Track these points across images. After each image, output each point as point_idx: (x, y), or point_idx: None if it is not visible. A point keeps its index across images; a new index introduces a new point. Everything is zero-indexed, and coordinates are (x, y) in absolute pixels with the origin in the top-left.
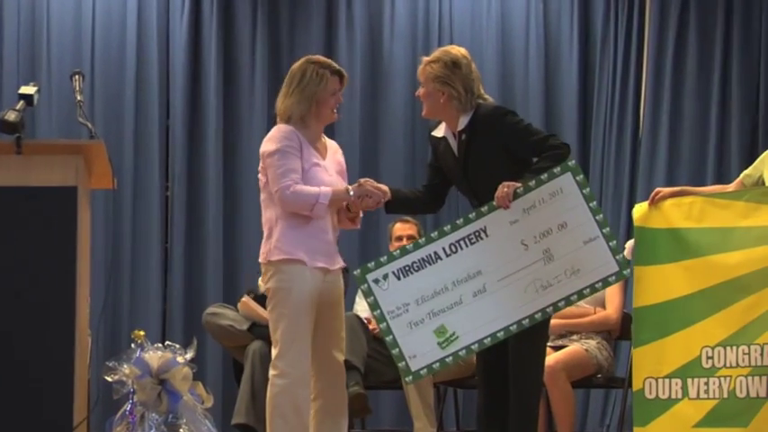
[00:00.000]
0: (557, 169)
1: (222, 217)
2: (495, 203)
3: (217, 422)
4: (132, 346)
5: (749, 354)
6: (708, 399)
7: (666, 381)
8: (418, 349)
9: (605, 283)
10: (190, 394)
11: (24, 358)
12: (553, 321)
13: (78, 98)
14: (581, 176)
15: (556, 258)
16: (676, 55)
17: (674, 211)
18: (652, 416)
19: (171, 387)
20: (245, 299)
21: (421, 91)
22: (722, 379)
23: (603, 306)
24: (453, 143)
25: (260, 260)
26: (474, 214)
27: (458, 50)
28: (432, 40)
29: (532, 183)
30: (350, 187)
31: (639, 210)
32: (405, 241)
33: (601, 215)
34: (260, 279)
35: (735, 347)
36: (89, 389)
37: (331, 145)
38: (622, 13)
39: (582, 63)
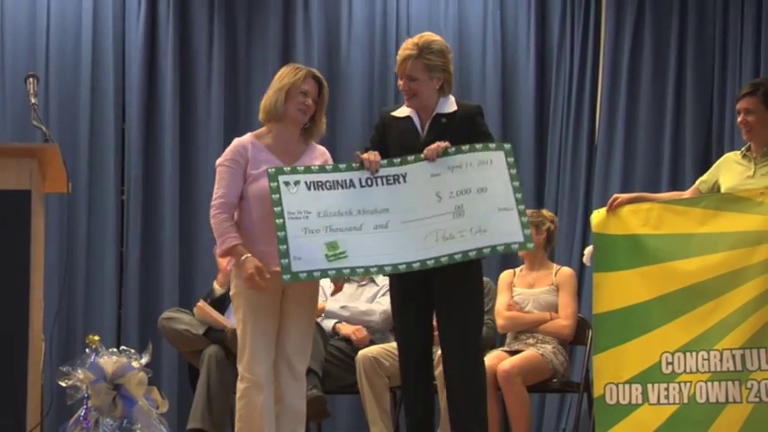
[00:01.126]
0: (492, 144)
1: (179, 221)
2: (422, 155)
3: (172, 427)
4: (87, 350)
5: (709, 359)
6: (668, 404)
7: (627, 386)
8: (305, 254)
9: (507, 247)
10: (145, 399)
11: None
12: (512, 320)
13: (32, 101)
14: (512, 159)
15: (466, 216)
16: (631, 61)
17: (632, 217)
18: (613, 421)
19: (126, 392)
20: (201, 303)
21: (413, 85)
22: (682, 384)
23: (557, 311)
24: (419, 124)
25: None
26: (399, 160)
27: (436, 36)
28: (389, 44)
29: (466, 147)
30: (247, 257)
31: (597, 216)
32: None
33: (520, 195)
34: (215, 283)
35: (694, 353)
36: (42, 394)
37: (314, 149)
38: (578, 20)
39: (538, 69)
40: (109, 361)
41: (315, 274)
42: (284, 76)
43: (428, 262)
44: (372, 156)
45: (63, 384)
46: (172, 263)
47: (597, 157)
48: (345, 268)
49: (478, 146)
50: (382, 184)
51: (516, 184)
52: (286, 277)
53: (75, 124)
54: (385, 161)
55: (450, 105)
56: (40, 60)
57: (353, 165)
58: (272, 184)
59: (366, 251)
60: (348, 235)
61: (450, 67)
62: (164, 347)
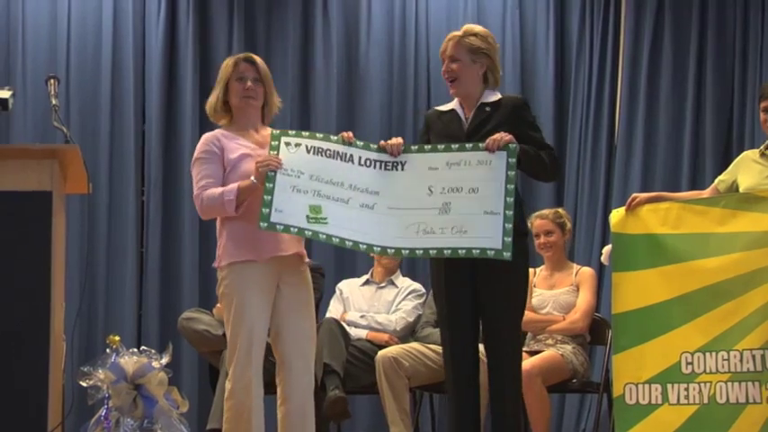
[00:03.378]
0: None
1: (198, 222)
2: (482, 144)
3: (192, 427)
4: (107, 350)
5: (729, 360)
6: (688, 404)
7: (646, 386)
8: (287, 208)
9: (482, 252)
10: (165, 399)
11: (2, 370)
12: (527, 322)
13: (53, 102)
14: (513, 160)
15: (451, 213)
16: (651, 60)
17: (651, 216)
18: (633, 421)
19: (146, 392)
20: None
21: (454, 66)
22: (702, 385)
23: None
24: (463, 114)
25: (213, 265)
26: (457, 146)
27: (481, 27)
28: (408, 46)
29: (469, 145)
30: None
31: (616, 216)
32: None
33: (512, 199)
34: None
35: (714, 353)
36: (64, 394)
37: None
38: (598, 19)
39: (557, 68)
40: (129, 361)
41: (292, 229)
42: (219, 73)
43: (403, 251)
44: (393, 140)
45: (84, 384)
46: (191, 263)
47: (617, 157)
48: (322, 233)
49: (482, 144)
50: (379, 168)
51: (511, 187)
52: (263, 224)
53: (96, 125)
54: (442, 146)
55: (495, 96)
56: (61, 62)
57: (371, 145)
58: (272, 143)
59: (347, 224)
60: (334, 204)
61: (496, 58)
62: (184, 348)
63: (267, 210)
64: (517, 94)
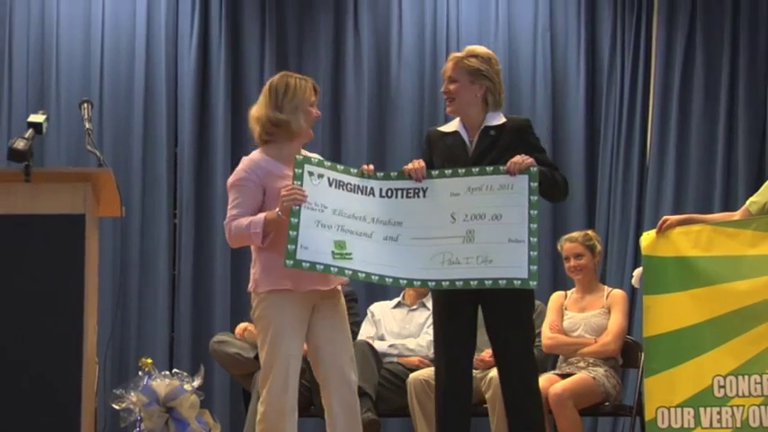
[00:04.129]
0: None
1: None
2: (502, 168)
3: None
4: (140, 373)
5: (761, 383)
6: (721, 428)
7: (679, 410)
8: (312, 245)
9: (509, 282)
10: (197, 422)
11: (32, 386)
12: (555, 344)
13: (87, 126)
14: (535, 185)
15: (475, 242)
16: (683, 81)
17: (682, 239)
18: None
19: (178, 415)
20: (245, 325)
21: (452, 87)
22: (735, 408)
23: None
24: (468, 138)
25: (249, 289)
26: (478, 169)
27: (485, 49)
28: (439, 60)
29: (490, 168)
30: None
31: (647, 238)
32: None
33: (535, 225)
34: None
35: (747, 377)
36: (96, 417)
37: None
38: (629, 42)
39: (589, 88)
40: (161, 384)
41: (318, 266)
42: (293, 92)
43: (429, 283)
44: (417, 164)
45: (116, 407)
46: (223, 286)
47: (648, 178)
48: (348, 269)
49: (502, 168)
50: (401, 197)
51: (534, 213)
52: (289, 263)
53: (129, 149)
54: (463, 170)
55: (499, 119)
56: (95, 87)
57: (391, 174)
58: (296, 170)
59: (372, 258)
60: (357, 239)
61: (497, 79)
62: (215, 370)
63: (293, 246)
64: (522, 116)
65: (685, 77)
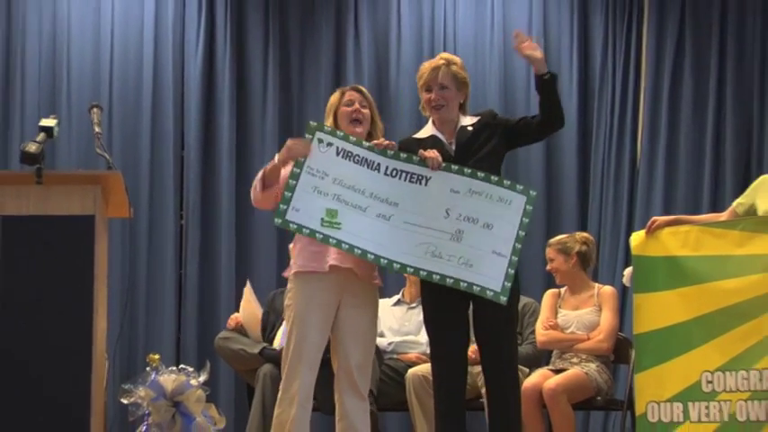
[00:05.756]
0: (519, 187)
1: (235, 245)
2: (507, 182)
3: None
4: (148, 369)
5: (748, 378)
6: (709, 422)
7: (668, 405)
8: (304, 208)
9: (482, 290)
10: (203, 416)
11: (43, 382)
12: (549, 340)
13: (96, 130)
14: (531, 208)
15: (462, 243)
16: (672, 87)
17: (671, 239)
18: None
19: (185, 409)
20: (234, 316)
21: (445, 93)
22: (722, 403)
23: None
24: (446, 140)
25: (283, 274)
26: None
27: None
28: None
29: (495, 178)
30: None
31: (637, 238)
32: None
33: (520, 246)
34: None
35: (734, 372)
36: (106, 411)
37: None
38: (620, 46)
39: (581, 95)
40: (168, 379)
41: (304, 230)
42: (328, 103)
43: (408, 268)
44: (435, 153)
45: (125, 401)
46: (228, 285)
47: (639, 180)
48: (333, 238)
49: (507, 182)
50: (404, 179)
51: (522, 234)
52: (277, 220)
53: (137, 152)
54: (417, 157)
55: (470, 119)
56: (104, 93)
57: (414, 158)
58: (307, 135)
59: (359, 232)
60: (350, 210)
61: (469, 89)
62: (221, 366)
63: (285, 206)
64: (485, 110)
65: (674, 83)
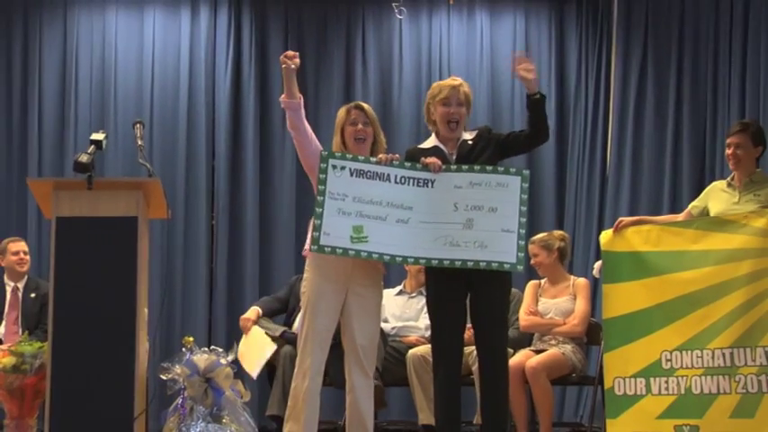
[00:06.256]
0: (512, 169)
1: (258, 242)
2: (501, 168)
3: (253, 414)
4: (183, 350)
5: (702, 357)
6: (668, 395)
7: (632, 380)
8: (333, 231)
9: (500, 265)
10: (231, 390)
11: (93, 361)
12: (531, 325)
13: (139, 143)
14: (527, 185)
15: (474, 229)
16: (637, 105)
17: (635, 237)
18: (621, 409)
19: (215, 384)
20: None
21: (462, 110)
22: (680, 378)
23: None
24: (447, 150)
25: (303, 253)
26: (456, 167)
27: None
28: None
29: (489, 168)
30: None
31: (605, 236)
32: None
33: (524, 220)
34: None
35: (690, 352)
36: (147, 386)
37: None
38: (592, 68)
39: (558, 114)
40: (201, 358)
41: (338, 250)
42: (336, 120)
43: (433, 261)
44: (434, 160)
45: (164, 378)
46: (252, 277)
47: (608, 186)
48: (364, 252)
49: (500, 168)
50: (412, 185)
51: (524, 209)
52: (314, 247)
53: (174, 162)
54: (466, 167)
55: (470, 133)
56: (146, 110)
57: (417, 165)
58: (321, 165)
59: (385, 240)
60: (373, 222)
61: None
62: None
63: (317, 233)
64: (481, 126)
65: (638, 102)
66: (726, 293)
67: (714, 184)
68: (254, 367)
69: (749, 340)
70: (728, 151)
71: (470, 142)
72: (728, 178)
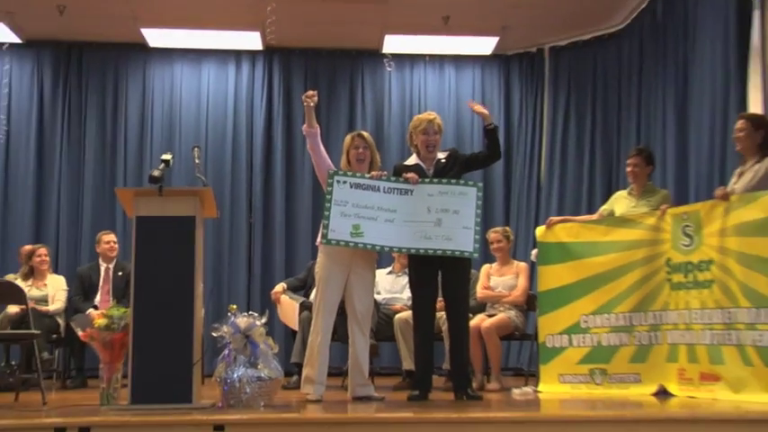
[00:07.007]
0: (470, 182)
1: (285, 236)
2: (462, 182)
3: (281, 361)
4: (228, 314)
5: (609, 319)
6: (584, 346)
7: (559, 336)
8: (337, 228)
9: (461, 253)
10: (264, 344)
11: (163, 322)
12: (484, 296)
13: (196, 161)
14: (481, 194)
15: (442, 226)
16: (563, 136)
17: (561, 231)
18: (551, 357)
19: (253, 340)
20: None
21: (438, 138)
22: (593, 335)
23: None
24: (425, 167)
25: (316, 243)
26: (429, 179)
27: None
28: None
29: (453, 181)
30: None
31: (540, 230)
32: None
33: (480, 219)
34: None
35: (600, 315)
36: (203, 341)
37: None
38: (530, 110)
39: (506, 139)
40: (242, 320)
41: (341, 242)
42: (344, 143)
43: (412, 250)
44: (413, 175)
45: (214, 335)
46: (281, 261)
47: (542, 195)
48: (361, 243)
49: (461, 182)
50: (397, 193)
51: (479, 211)
52: (323, 241)
53: (222, 176)
54: (437, 180)
55: (443, 153)
56: (202, 137)
57: (400, 179)
58: (328, 180)
59: (376, 234)
60: (367, 222)
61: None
62: (275, 312)
63: (326, 230)
64: (450, 148)
65: (564, 134)
66: (626, 273)
67: (618, 192)
68: (294, 323)
69: (642, 306)
70: (628, 169)
71: (443, 161)
72: (628, 189)
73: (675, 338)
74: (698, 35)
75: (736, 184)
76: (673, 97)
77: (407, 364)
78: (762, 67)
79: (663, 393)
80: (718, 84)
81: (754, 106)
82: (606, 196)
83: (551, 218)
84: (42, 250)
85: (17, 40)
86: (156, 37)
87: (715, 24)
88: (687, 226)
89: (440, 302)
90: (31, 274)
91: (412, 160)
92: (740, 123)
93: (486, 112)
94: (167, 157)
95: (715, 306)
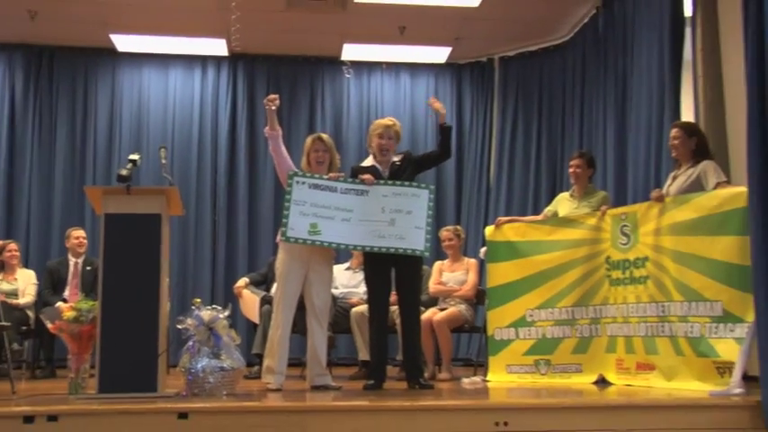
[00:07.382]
0: (423, 185)
1: (248, 234)
2: (416, 184)
3: (243, 352)
4: (193, 308)
5: (553, 313)
6: (530, 339)
7: (506, 329)
8: (296, 226)
9: (413, 251)
10: (227, 336)
11: (129, 315)
12: (436, 291)
13: (163, 161)
14: (432, 196)
15: (395, 226)
16: (511, 143)
17: (509, 231)
18: (499, 349)
19: (216, 332)
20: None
21: (392, 143)
22: (537, 328)
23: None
24: (381, 169)
25: (276, 241)
26: (383, 181)
27: None
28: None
29: (407, 183)
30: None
31: (489, 230)
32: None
33: (431, 220)
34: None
35: (545, 309)
36: (168, 333)
37: None
38: (480, 117)
39: (458, 142)
40: (206, 313)
41: (299, 240)
42: (304, 145)
43: (367, 248)
44: (368, 177)
45: (179, 327)
46: (243, 257)
47: (491, 195)
48: (318, 241)
49: (414, 184)
50: (353, 194)
51: (431, 212)
52: (283, 238)
53: (188, 176)
54: (391, 182)
55: (397, 156)
56: (168, 138)
57: (356, 180)
58: (288, 181)
59: (333, 233)
60: (324, 221)
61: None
62: (237, 306)
63: (284, 228)
64: (404, 150)
65: (512, 138)
66: (569, 270)
67: (561, 194)
68: (256, 316)
69: (584, 301)
70: (571, 170)
71: (398, 163)
72: (571, 190)
73: (614, 331)
74: (636, 48)
75: (671, 186)
76: (613, 105)
77: (363, 354)
78: (693, 79)
79: (602, 382)
80: (654, 93)
81: (687, 114)
82: (551, 198)
83: (500, 218)
84: (13, 245)
85: None
86: (124, 42)
87: (651, 39)
88: (625, 226)
89: (393, 297)
90: (1, 268)
91: (368, 162)
92: (674, 132)
93: (444, 111)
94: (135, 156)
95: (649, 300)
